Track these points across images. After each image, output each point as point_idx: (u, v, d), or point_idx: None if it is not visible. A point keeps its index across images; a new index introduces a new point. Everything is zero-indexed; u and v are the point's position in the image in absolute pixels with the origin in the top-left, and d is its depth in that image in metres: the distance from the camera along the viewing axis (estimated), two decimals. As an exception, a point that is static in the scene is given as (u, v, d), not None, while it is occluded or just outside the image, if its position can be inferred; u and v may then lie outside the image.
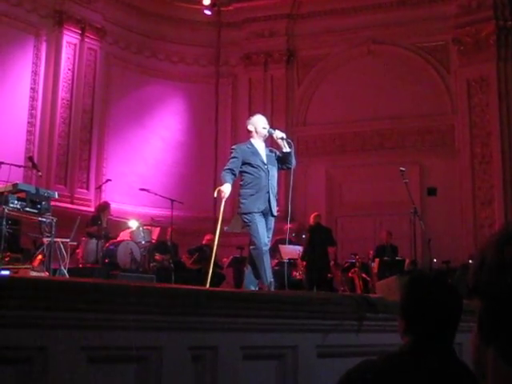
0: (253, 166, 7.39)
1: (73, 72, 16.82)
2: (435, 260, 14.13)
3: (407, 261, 13.69)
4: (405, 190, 10.65)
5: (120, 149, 17.77)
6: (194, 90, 19.13)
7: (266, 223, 7.35)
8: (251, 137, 7.65)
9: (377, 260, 14.15)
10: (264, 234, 7.24)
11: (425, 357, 2.30)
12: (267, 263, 7.27)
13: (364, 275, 14.18)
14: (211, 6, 18.51)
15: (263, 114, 8.15)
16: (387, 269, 13.33)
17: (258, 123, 7.68)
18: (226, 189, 7.34)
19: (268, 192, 7.34)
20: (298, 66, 19.10)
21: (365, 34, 18.23)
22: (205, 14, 18.59)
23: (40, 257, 9.50)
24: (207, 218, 17.77)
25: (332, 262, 14.30)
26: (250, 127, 7.67)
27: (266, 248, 7.24)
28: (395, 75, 17.89)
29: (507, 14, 16.93)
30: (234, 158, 7.46)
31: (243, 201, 7.39)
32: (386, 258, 13.96)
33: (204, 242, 14.31)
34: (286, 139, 7.54)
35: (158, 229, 13.42)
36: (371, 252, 14.95)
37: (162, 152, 18.55)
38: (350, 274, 14.30)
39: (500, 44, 16.86)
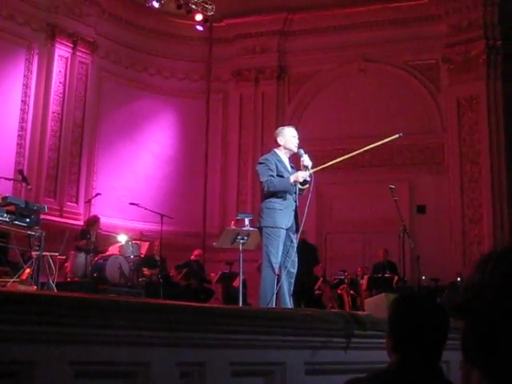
0: None
1: (64, 85, 16.83)
2: (424, 277, 14.17)
3: (395, 278, 13.72)
4: (394, 208, 10.68)
5: (110, 163, 17.75)
6: (185, 105, 19.16)
7: (291, 241, 6.96)
8: (277, 148, 7.18)
9: (365, 277, 14.18)
10: (281, 250, 6.82)
11: (412, 375, 2.31)
12: (286, 288, 6.85)
13: (352, 292, 14.20)
14: (203, 22, 18.59)
15: (293, 126, 7.68)
16: (375, 286, 13.36)
17: (290, 138, 7.17)
18: (300, 174, 6.90)
19: (294, 210, 6.97)
20: (289, 82, 19.18)
21: (356, 51, 18.33)
22: (197, 29, 18.67)
23: (28, 270, 9.44)
24: (196, 233, 17.81)
25: (321, 279, 14.31)
26: (280, 140, 7.15)
27: (293, 270, 6.93)
28: (386, 93, 17.99)
29: (497, 33, 17.08)
30: (268, 169, 6.91)
31: (272, 214, 6.83)
32: (375, 276, 13.98)
33: (192, 258, 14.28)
34: (309, 169, 7.02)
35: (146, 243, 13.39)
36: (359, 269, 14.99)
37: (153, 166, 18.55)
38: (338, 291, 14.32)
39: (490, 63, 16.99)
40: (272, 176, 6.88)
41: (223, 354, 3.97)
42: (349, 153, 8.36)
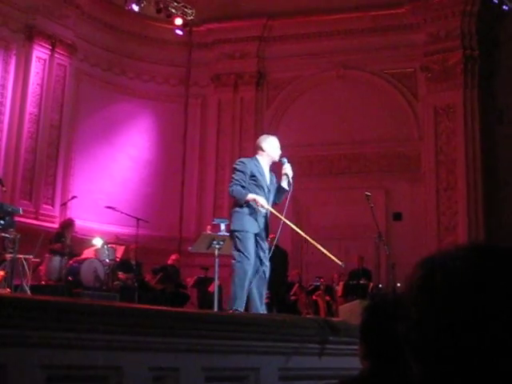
0: (257, 186, 7.02)
1: (41, 87, 16.70)
2: (399, 284, 14.21)
3: (371, 285, 13.76)
4: (370, 215, 10.72)
5: (87, 166, 17.65)
6: (163, 109, 19.12)
7: (262, 247, 7.03)
8: (258, 154, 7.25)
9: (341, 283, 14.20)
10: (253, 253, 6.87)
11: (383, 381, 2.31)
12: (257, 294, 6.88)
13: (328, 298, 14.23)
14: (183, 26, 18.55)
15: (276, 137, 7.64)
16: (351, 292, 13.39)
17: (273, 147, 7.25)
18: (258, 197, 6.90)
19: (264, 217, 7.04)
20: (267, 88, 19.20)
21: (335, 58, 18.40)
22: (176, 33, 18.62)
23: (2, 273, 9.37)
24: (172, 237, 17.75)
25: (296, 285, 14.32)
26: (265, 146, 7.22)
27: (264, 268, 6.97)
28: (364, 100, 18.06)
29: (474, 43, 17.22)
30: (240, 171, 7.01)
31: (241, 218, 6.92)
32: (350, 282, 14.01)
33: (169, 262, 14.24)
34: (290, 178, 7.15)
35: (122, 247, 13.33)
36: (335, 275, 15.00)
37: (130, 170, 18.47)
38: (314, 297, 14.33)
39: (467, 72, 17.13)
40: (241, 181, 6.96)
41: (197, 359, 3.96)
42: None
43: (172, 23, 18.42)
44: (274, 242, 13.68)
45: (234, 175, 7.07)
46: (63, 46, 17.22)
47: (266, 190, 7.09)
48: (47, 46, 16.88)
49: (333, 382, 2.44)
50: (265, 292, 7.13)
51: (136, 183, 18.32)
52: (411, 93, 18.03)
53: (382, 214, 15.77)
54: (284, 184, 7.20)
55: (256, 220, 6.94)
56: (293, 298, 14.22)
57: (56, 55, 17.05)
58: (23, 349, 3.10)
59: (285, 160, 7.26)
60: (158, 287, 13.62)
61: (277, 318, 5.14)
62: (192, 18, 18.48)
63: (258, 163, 7.16)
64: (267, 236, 7.16)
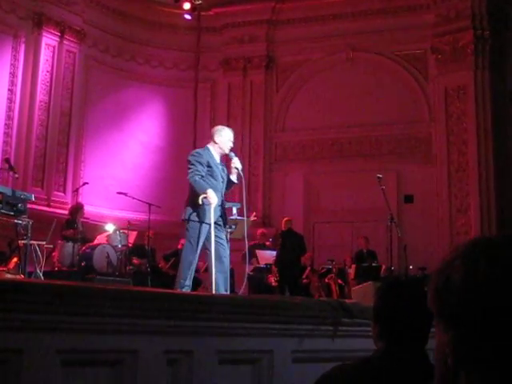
0: (212, 176, 7.24)
1: (51, 74, 16.73)
2: (411, 266, 14.22)
3: (383, 267, 13.76)
4: (382, 197, 10.70)
5: (98, 152, 17.69)
6: (173, 95, 19.10)
7: (220, 234, 7.27)
8: (210, 144, 7.44)
9: (353, 266, 14.20)
10: (201, 242, 7.24)
11: (398, 362, 2.32)
12: (221, 281, 7.26)
13: (340, 281, 14.23)
14: (191, 11, 18.51)
15: (232, 130, 7.79)
16: (363, 275, 13.39)
17: (225, 139, 7.41)
18: (213, 195, 7.04)
19: (220, 205, 7.25)
20: (277, 71, 19.16)
21: (344, 41, 18.32)
22: (185, 18, 18.59)
23: (15, 259, 9.42)
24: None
25: (308, 268, 14.35)
26: (217, 138, 7.38)
27: (226, 262, 7.29)
28: (374, 82, 17.99)
29: (485, 23, 17.09)
30: (198, 162, 7.21)
31: (196, 210, 7.18)
32: (363, 264, 14.01)
33: (180, 247, 14.26)
34: (239, 171, 7.34)
35: (134, 233, 13.37)
36: (348, 258, 15.01)
37: (140, 156, 18.50)
38: (326, 280, 14.34)
39: (477, 53, 17.00)
40: (201, 171, 7.16)
41: (210, 341, 3.98)
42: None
43: (180, 8, 18.39)
44: (288, 226, 13.80)
45: (192, 166, 7.23)
46: (72, 33, 17.23)
47: (221, 179, 7.29)
48: (56, 32, 16.89)
49: (346, 364, 2.44)
50: (228, 281, 7.44)
51: (147, 169, 18.35)
52: (421, 74, 17.94)
53: (393, 197, 15.73)
54: (233, 177, 7.39)
55: (214, 210, 7.09)
56: (305, 281, 14.24)
57: (65, 42, 17.07)
58: (39, 333, 3.12)
59: (232, 154, 7.41)
60: (170, 272, 13.67)
61: (290, 300, 5.15)
62: (200, 2, 18.43)
63: (211, 154, 7.35)
64: (225, 224, 7.42)
